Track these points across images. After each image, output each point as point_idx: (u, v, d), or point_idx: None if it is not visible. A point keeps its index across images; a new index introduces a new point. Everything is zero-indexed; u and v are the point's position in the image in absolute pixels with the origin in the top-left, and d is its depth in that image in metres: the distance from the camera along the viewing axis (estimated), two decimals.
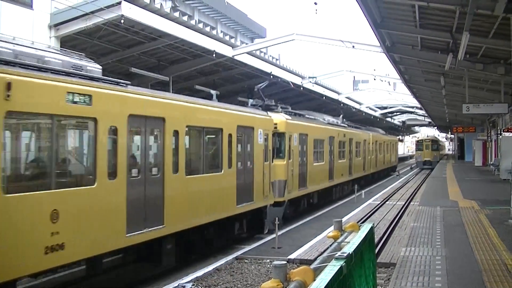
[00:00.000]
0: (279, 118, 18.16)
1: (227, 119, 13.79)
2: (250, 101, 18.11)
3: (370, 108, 51.27)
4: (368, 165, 35.36)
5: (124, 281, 11.23)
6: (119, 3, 13.98)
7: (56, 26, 14.69)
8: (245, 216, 14.89)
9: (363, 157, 33.52)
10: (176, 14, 16.67)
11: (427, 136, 67.80)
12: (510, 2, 11.60)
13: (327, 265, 3.94)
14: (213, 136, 13.78)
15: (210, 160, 13.54)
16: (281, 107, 19.51)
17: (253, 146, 15.11)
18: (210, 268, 11.85)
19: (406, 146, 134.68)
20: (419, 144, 58.60)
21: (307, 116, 22.72)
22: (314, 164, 21.80)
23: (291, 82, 26.07)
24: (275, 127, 17.43)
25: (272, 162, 16.75)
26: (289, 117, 19.07)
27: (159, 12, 15.55)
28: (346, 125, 29.87)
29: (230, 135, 13.71)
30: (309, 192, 21.14)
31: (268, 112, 17.24)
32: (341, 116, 31.61)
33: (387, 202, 23.93)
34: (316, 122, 23.35)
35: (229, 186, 13.66)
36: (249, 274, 11.54)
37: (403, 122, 69.01)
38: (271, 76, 24.51)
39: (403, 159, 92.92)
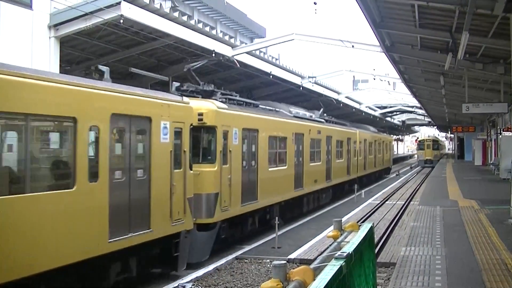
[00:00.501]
0: (206, 106, 13.19)
1: (87, 103, 8.66)
2: (175, 84, 13.75)
3: (370, 108, 51.31)
4: (353, 168, 30.28)
5: (124, 281, 11.21)
6: (119, 3, 13.98)
7: (55, 26, 14.68)
8: (135, 252, 9.82)
9: (346, 158, 28.50)
10: (176, 14, 16.66)
11: (428, 136, 69.98)
12: (510, 2, 11.62)
13: (326, 264, 3.95)
14: (56, 130, 9.15)
15: (46, 170, 8.64)
16: (221, 93, 14.82)
17: (150, 146, 10.13)
18: (210, 268, 11.86)
19: (406, 145, 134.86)
20: (421, 143, 61.81)
21: (262, 106, 17.60)
22: (271, 169, 16.74)
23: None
24: (200, 119, 12.79)
25: (191, 168, 11.69)
26: (225, 106, 13.97)
27: (158, 12, 15.55)
28: (323, 120, 24.71)
29: (95, 129, 8.83)
30: (262, 206, 15.97)
31: (185, 98, 11.98)
32: (321, 110, 27.03)
33: (387, 202, 23.94)
34: (275, 115, 18.09)
35: (90, 210, 8.58)
36: (249, 274, 11.55)
37: (403, 121, 69.56)
38: (270, 76, 24.52)
39: (403, 158, 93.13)
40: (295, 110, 21.27)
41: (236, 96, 15.72)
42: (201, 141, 13.25)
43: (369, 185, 34.92)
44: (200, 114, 12.87)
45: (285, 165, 18.27)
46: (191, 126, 11.75)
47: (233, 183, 13.79)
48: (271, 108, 18.45)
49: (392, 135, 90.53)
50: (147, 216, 10.00)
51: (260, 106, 17.43)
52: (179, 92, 13.10)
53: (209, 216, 12.78)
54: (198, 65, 15.70)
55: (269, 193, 16.46)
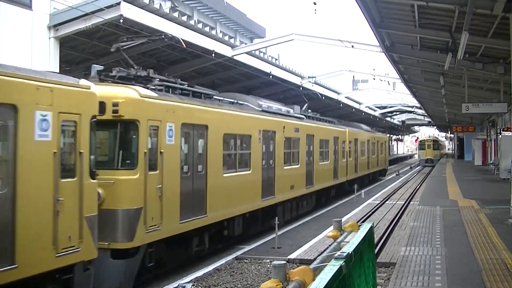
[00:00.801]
0: (124, 93, 10.11)
1: None
2: (95, 67, 10.74)
3: (370, 108, 51.40)
4: (342, 171, 26.97)
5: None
6: (118, 3, 13.99)
7: (55, 26, 14.69)
8: None
9: (333, 160, 25.16)
10: (175, 14, 16.68)
11: (429, 137, 71.49)
12: (509, 2, 11.64)
13: (326, 264, 3.95)
14: None
15: None
16: (160, 79, 11.85)
17: (16, 146, 7.33)
18: (210, 268, 11.85)
19: (406, 145, 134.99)
20: (422, 143, 64.07)
21: (218, 97, 14.54)
22: (227, 175, 13.65)
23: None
24: (115, 111, 9.82)
25: (93, 177, 8.64)
26: (153, 94, 10.75)
27: (158, 12, 15.56)
28: (303, 116, 21.35)
29: None
30: (214, 221, 12.87)
31: (83, 80, 8.75)
32: (305, 105, 24.15)
33: (386, 202, 23.93)
34: (234, 108, 14.75)
35: None
36: (249, 274, 11.55)
37: (403, 121, 70.04)
38: (270, 76, 24.50)
39: (402, 158, 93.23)
40: (267, 103, 17.77)
41: (183, 84, 12.66)
42: (116, 140, 10.29)
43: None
44: (115, 105, 9.81)
45: (249, 170, 15.11)
46: (94, 119, 8.68)
47: (166, 194, 10.66)
48: (231, 100, 15.19)
49: (391, 135, 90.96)
50: (9, 246, 7.09)
51: (215, 97, 14.23)
52: (111, 79, 10.86)
53: (127, 239, 9.71)
54: (131, 44, 12.93)
55: (225, 205, 13.40)
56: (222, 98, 14.70)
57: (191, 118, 11.97)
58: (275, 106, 18.68)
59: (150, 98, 10.53)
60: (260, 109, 16.75)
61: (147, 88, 10.89)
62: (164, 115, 10.82)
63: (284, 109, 19.46)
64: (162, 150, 10.63)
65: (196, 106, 12.31)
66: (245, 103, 16.20)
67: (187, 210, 11.49)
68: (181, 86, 12.42)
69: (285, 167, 18.05)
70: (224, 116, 13.74)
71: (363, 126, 37.14)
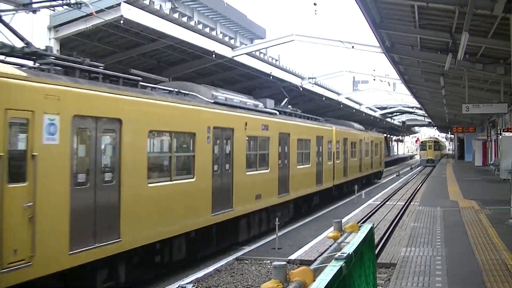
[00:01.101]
0: None
1: None
2: None
3: (370, 109, 51.43)
4: (327, 175, 23.78)
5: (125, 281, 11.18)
6: (119, 4, 14.01)
7: (55, 27, 14.71)
8: None
9: (316, 163, 22.04)
10: (176, 15, 16.70)
11: (430, 137, 72.56)
12: (510, 2, 11.65)
13: (327, 265, 3.95)
14: None
15: None
16: (54, 58, 9.05)
17: None
18: (210, 269, 11.85)
19: (406, 146, 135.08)
20: (423, 144, 66.09)
21: (145, 84, 11.10)
22: (154, 184, 10.50)
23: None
24: None
25: None
26: (20, 73, 7.62)
27: (158, 13, 15.58)
28: (275, 112, 17.95)
29: None
30: (134, 247, 9.81)
31: None
32: (285, 100, 22.13)
33: (387, 203, 23.91)
34: (172, 98, 11.52)
35: None
36: (250, 275, 11.55)
37: (403, 122, 70.35)
38: (271, 77, 24.52)
39: (403, 159, 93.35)
40: (224, 95, 14.47)
41: (98, 66, 9.79)
42: None
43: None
44: None
45: (192, 177, 11.96)
46: None
47: (42, 214, 7.61)
48: (169, 88, 12.19)
49: (392, 136, 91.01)
50: None
51: (142, 83, 10.85)
52: None
53: None
54: (19, 11, 10.55)
55: (153, 223, 10.37)
56: (154, 86, 11.63)
57: (91, 109, 8.79)
58: (237, 98, 15.28)
59: (12, 78, 7.37)
60: (212, 101, 13.45)
61: (18, 66, 8.04)
62: (41, 104, 7.76)
63: (250, 102, 16.22)
64: (35, 153, 7.58)
65: (102, 92, 9.03)
66: (192, 93, 13.03)
67: (84, 235, 8.46)
68: (87, 68, 9.33)
69: (248, 173, 14.97)
70: (150, 108, 10.44)
71: (355, 124, 33.62)
